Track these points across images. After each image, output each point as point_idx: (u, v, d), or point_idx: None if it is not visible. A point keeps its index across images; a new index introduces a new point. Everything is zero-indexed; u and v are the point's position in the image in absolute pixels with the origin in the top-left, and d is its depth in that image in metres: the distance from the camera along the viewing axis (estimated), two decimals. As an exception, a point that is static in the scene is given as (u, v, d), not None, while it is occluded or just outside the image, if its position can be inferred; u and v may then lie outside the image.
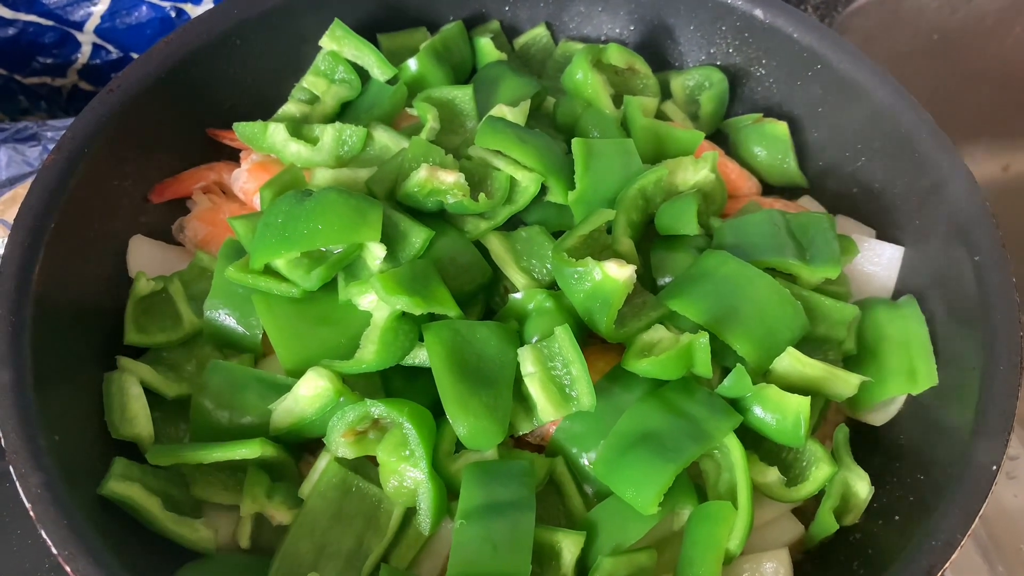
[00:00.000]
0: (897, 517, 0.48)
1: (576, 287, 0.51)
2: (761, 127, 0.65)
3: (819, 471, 0.49)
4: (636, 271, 0.51)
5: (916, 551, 0.43)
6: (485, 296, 0.56)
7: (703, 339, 0.48)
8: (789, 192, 0.66)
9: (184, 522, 0.47)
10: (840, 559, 0.49)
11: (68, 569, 0.40)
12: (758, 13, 0.65)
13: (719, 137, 0.68)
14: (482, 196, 0.54)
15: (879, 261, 0.59)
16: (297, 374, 0.50)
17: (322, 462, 0.49)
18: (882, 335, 0.55)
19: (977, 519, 0.43)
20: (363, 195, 0.54)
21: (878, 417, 0.55)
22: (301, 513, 0.48)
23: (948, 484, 0.46)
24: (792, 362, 0.49)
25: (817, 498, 0.50)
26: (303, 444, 0.51)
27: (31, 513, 0.42)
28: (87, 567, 0.40)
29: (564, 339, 0.49)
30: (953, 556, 0.42)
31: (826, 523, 0.49)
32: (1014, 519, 0.65)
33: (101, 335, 0.55)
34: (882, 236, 0.61)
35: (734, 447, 0.47)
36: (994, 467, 0.45)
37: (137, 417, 0.51)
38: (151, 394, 0.52)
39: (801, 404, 0.47)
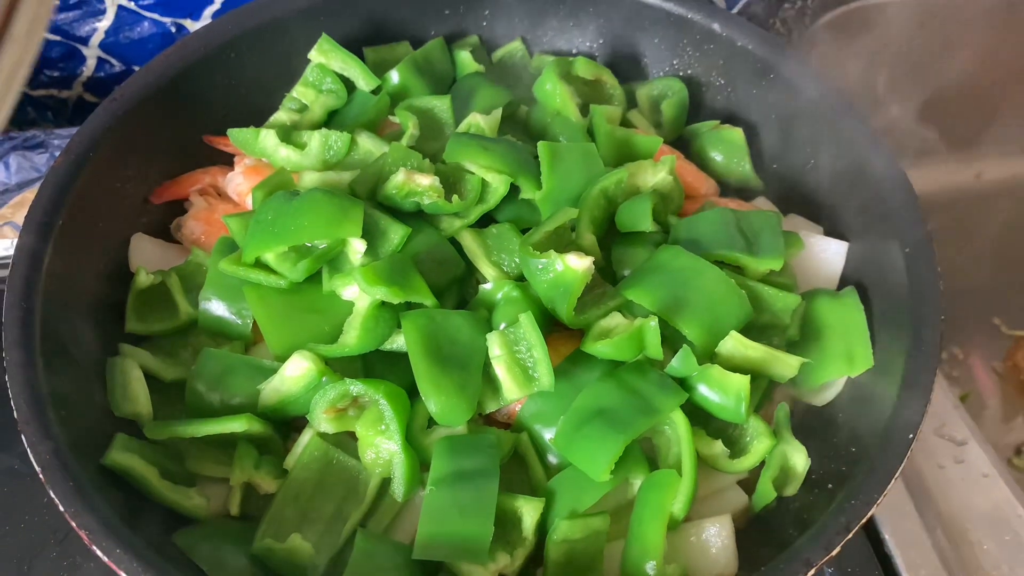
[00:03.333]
0: (830, 486, 0.52)
1: (540, 277, 0.56)
2: (719, 133, 0.70)
3: (760, 444, 0.54)
4: (595, 263, 0.56)
5: (837, 509, 0.48)
6: (459, 287, 0.61)
7: (652, 322, 0.53)
8: (745, 193, 0.71)
9: (179, 490, 0.52)
10: (779, 526, 0.53)
11: (74, 525, 0.44)
12: (715, 27, 0.69)
13: (681, 142, 0.73)
14: (455, 197, 0.59)
15: (825, 255, 0.64)
16: (284, 359, 0.54)
17: (305, 437, 0.53)
18: (824, 323, 0.59)
19: (893, 481, 0.48)
20: (346, 195, 0.58)
21: (820, 398, 0.59)
22: (286, 483, 0.52)
23: (870, 452, 0.50)
24: (735, 344, 0.54)
25: (763, 468, 0.55)
26: (289, 423, 0.56)
27: (41, 477, 0.46)
28: (91, 523, 0.44)
29: (527, 325, 0.53)
30: (870, 512, 0.47)
31: (765, 492, 0.53)
32: (961, 500, 0.68)
33: (105, 323, 0.59)
34: (829, 232, 0.66)
35: (680, 421, 0.52)
36: (910, 435, 0.49)
37: (137, 397, 0.55)
38: (150, 377, 0.57)
39: (742, 382, 0.52)
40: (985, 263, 1.11)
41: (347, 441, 0.54)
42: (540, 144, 0.61)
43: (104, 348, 0.58)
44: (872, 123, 0.64)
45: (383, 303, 0.54)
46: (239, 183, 0.66)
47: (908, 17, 1.00)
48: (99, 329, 0.58)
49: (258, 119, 0.69)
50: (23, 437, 0.47)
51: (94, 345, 0.57)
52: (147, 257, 0.64)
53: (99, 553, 0.44)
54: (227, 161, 0.69)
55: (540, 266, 0.56)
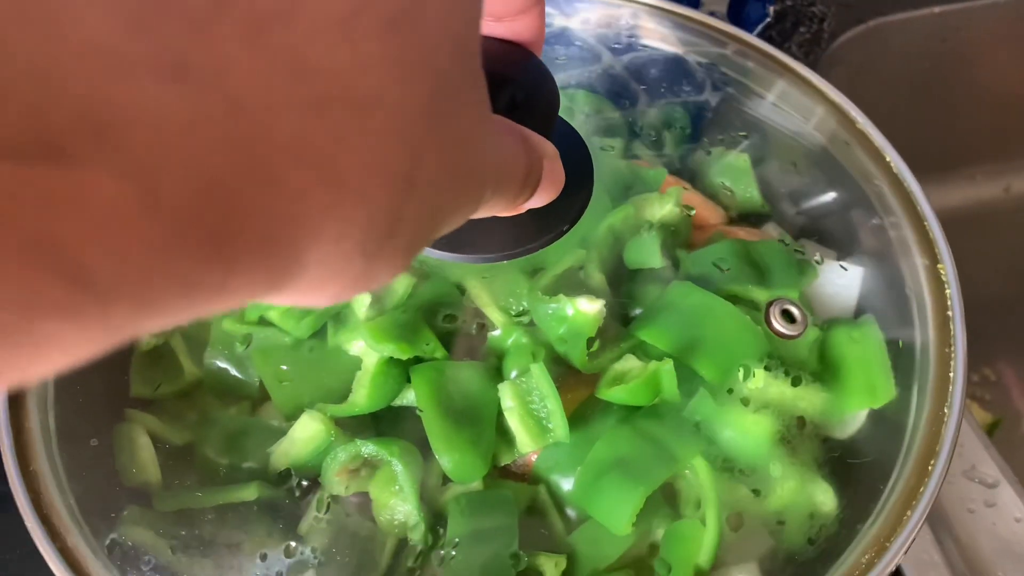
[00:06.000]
0: (859, 526, 0.51)
1: (551, 323, 0.55)
2: (724, 160, 0.69)
3: (785, 486, 0.52)
4: (606, 304, 0.55)
5: (863, 552, 0.47)
6: (470, 335, 0.60)
7: (668, 365, 0.52)
8: (754, 219, 0.70)
9: (192, 562, 0.51)
10: (809, 568, 0.52)
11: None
12: (720, 52, 0.69)
13: (686, 171, 0.72)
14: (459, 242, 0.58)
15: (840, 282, 0.63)
16: (293, 418, 0.53)
17: (317, 500, 0.52)
18: (843, 354, 0.58)
19: (918, 526, 0.46)
20: (348, 246, 0.58)
21: (843, 431, 0.58)
22: (300, 550, 0.51)
23: (895, 489, 0.49)
24: (756, 383, 0.53)
25: (789, 511, 0.53)
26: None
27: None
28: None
29: (539, 376, 0.52)
30: (896, 557, 0.45)
31: (792, 535, 0.52)
32: (992, 546, 0.66)
33: (110, 389, 0.58)
34: (842, 257, 0.64)
35: (701, 468, 0.50)
36: (931, 464, 0.48)
37: (146, 465, 0.54)
38: (159, 442, 0.56)
39: (763, 423, 0.51)
40: (1017, 279, 1.09)
41: (362, 501, 0.53)
42: (543, 185, 0.60)
43: (112, 413, 0.57)
44: (880, 142, 0.63)
45: (391, 358, 0.53)
46: (240, 236, 0.65)
47: (929, 32, 0.98)
48: (105, 395, 0.57)
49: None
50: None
51: (102, 410, 0.57)
52: (150, 316, 0.63)
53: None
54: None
55: (550, 311, 0.54)
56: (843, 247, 0.65)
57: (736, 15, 0.79)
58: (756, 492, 0.52)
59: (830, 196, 0.65)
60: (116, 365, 0.59)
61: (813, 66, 0.66)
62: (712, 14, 0.67)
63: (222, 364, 0.58)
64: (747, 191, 0.69)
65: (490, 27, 0.37)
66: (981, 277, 1.01)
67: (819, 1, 0.83)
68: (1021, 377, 1.08)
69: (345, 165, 0.19)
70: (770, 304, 0.54)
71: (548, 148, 0.34)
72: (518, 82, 0.37)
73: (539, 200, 0.35)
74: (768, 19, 0.77)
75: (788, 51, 0.71)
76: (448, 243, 0.42)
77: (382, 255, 0.21)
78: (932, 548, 0.64)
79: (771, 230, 0.69)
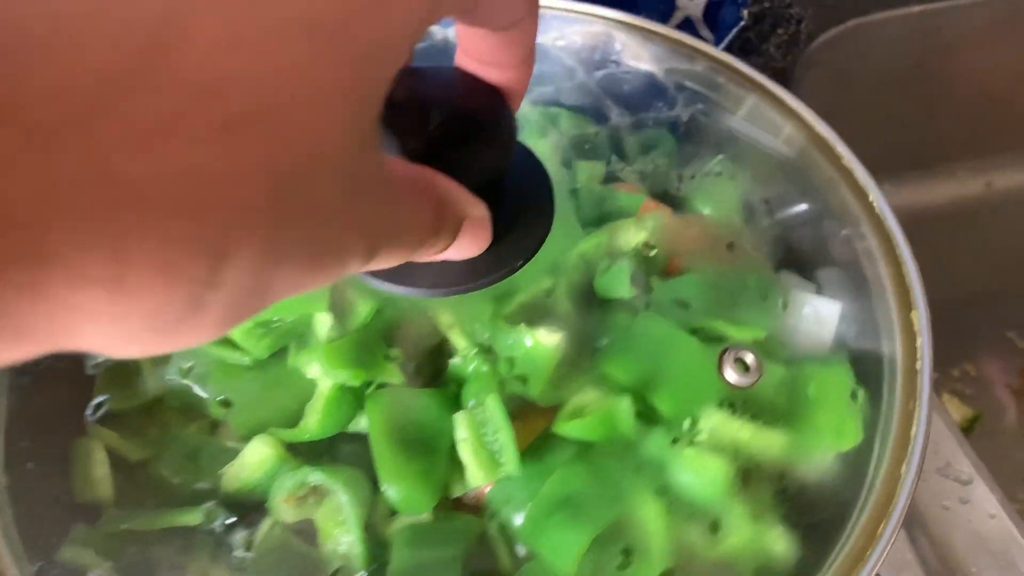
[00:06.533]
0: (818, 574, 0.50)
1: (510, 352, 0.54)
2: (708, 186, 0.68)
3: (739, 529, 0.51)
4: (572, 332, 0.54)
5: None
6: (434, 359, 0.59)
7: (624, 402, 0.50)
8: (735, 249, 0.68)
9: (136, 584, 0.51)
10: (762, 615, 0.51)
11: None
12: (711, 76, 0.67)
13: (668, 196, 0.70)
14: (426, 265, 0.57)
15: (817, 318, 0.61)
16: (249, 439, 0.53)
17: (264, 525, 0.52)
18: (812, 393, 0.56)
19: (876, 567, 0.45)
20: (313, 266, 0.57)
21: (809, 474, 0.56)
22: (244, 574, 0.51)
23: (854, 536, 0.48)
24: (715, 422, 0.51)
25: (741, 558, 0.52)
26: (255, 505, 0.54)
27: None
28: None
29: (493, 407, 0.51)
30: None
31: (745, 581, 0.50)
32: (967, 544, 0.65)
33: (69, 401, 0.58)
34: (821, 291, 0.63)
35: (651, 508, 0.49)
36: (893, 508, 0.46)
37: (99, 481, 0.54)
38: (116, 458, 0.56)
39: (719, 464, 0.49)
40: (998, 274, 1.08)
41: (309, 528, 0.52)
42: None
43: (69, 427, 0.57)
44: (858, 171, 0.61)
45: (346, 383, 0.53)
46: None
47: (909, 30, 0.97)
48: (63, 407, 0.57)
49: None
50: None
51: (59, 423, 0.57)
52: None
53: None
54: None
55: (510, 340, 0.54)
56: (817, 275, 0.63)
57: (712, 18, 0.77)
58: (708, 536, 0.51)
59: (805, 215, 0.64)
60: (70, 385, 0.59)
61: (791, 67, 0.64)
62: (687, 18, 0.65)
63: (184, 381, 0.58)
64: (726, 214, 0.67)
65: (475, 67, 0.35)
66: (962, 272, 1.00)
67: (796, 2, 0.81)
68: (1001, 372, 1.07)
69: (127, 272, 0.18)
70: (724, 352, 0.53)
71: (474, 210, 0.33)
72: (477, 126, 0.35)
73: (456, 255, 0.34)
74: (743, 22, 0.75)
75: (766, 53, 0.69)
76: (397, 275, 0.41)
77: (181, 330, 0.21)
78: (906, 547, 0.62)
79: (746, 255, 0.68)
